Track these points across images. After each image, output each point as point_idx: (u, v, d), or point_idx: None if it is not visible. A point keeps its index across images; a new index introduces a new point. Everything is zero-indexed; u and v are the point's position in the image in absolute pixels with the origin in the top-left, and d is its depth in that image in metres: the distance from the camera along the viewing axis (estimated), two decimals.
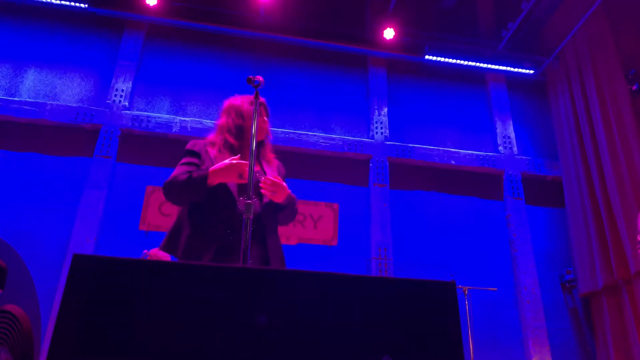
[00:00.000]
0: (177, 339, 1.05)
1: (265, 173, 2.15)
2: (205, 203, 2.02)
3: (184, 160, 2.16)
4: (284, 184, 2.01)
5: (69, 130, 4.85)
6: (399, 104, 5.76)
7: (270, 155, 2.29)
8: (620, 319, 4.63)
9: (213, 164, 2.03)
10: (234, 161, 1.94)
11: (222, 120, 2.23)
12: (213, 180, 1.95)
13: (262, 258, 2.01)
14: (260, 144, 2.24)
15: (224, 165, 1.93)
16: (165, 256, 3.84)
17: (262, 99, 2.17)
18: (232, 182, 1.97)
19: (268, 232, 2.06)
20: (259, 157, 2.22)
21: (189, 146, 2.20)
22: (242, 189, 2.04)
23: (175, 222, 2.10)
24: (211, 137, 2.24)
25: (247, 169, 1.88)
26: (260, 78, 2.08)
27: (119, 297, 1.06)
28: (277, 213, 2.13)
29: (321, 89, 5.64)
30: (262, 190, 1.95)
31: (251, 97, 2.15)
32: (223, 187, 2.01)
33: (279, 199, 2.01)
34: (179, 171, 2.07)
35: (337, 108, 5.59)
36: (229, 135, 2.16)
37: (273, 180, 1.96)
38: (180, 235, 2.01)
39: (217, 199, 2.01)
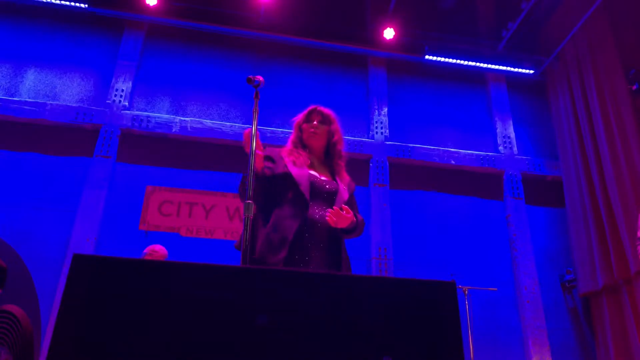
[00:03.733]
0: (177, 338, 1.05)
1: (337, 185, 2.26)
2: (279, 202, 2.14)
3: None
4: (348, 214, 2.07)
5: (69, 130, 4.85)
6: (399, 103, 5.75)
7: (342, 167, 2.40)
8: (620, 319, 4.63)
9: (287, 169, 2.16)
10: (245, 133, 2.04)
11: (292, 135, 2.44)
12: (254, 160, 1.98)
13: (336, 266, 2.14)
14: (328, 154, 2.39)
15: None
16: (161, 249, 3.84)
17: (322, 109, 2.44)
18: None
19: (342, 242, 2.21)
20: (332, 167, 2.36)
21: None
22: (314, 193, 2.17)
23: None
24: (286, 148, 2.39)
25: (249, 140, 1.95)
26: (260, 78, 2.10)
27: (119, 297, 1.06)
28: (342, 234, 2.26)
29: (321, 89, 5.63)
30: (327, 218, 2.07)
31: (306, 111, 2.42)
32: (296, 189, 2.12)
33: (341, 225, 2.09)
34: None
35: (337, 108, 5.51)
36: (295, 147, 2.35)
37: (337, 211, 2.06)
38: (257, 232, 2.10)
39: (291, 200, 2.13)
